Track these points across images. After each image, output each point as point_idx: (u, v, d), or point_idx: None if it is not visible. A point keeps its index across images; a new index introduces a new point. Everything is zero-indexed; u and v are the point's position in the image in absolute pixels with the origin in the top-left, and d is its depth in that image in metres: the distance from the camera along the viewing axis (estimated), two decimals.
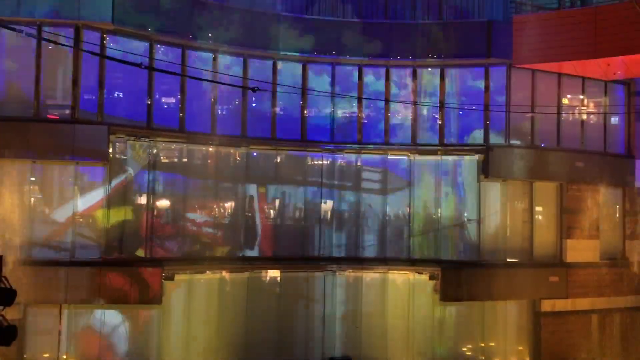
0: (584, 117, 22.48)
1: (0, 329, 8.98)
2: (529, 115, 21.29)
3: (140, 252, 18.67)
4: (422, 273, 20.72)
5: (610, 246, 22.57)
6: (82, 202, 18.07)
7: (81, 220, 18.05)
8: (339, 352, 20.48)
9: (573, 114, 22.39)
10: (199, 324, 19.31)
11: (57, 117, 17.97)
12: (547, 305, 21.18)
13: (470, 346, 20.91)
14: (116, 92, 18.86)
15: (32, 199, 18.06)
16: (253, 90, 15.29)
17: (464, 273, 20.49)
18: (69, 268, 17.38)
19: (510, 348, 21.28)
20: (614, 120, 23.21)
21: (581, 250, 21.69)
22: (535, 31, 19.99)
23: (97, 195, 18.21)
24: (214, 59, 19.81)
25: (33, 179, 17.97)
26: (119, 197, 18.58)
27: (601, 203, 22.36)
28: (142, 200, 18.93)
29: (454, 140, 21.19)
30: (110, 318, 18.25)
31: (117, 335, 18.29)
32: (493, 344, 21.01)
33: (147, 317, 18.54)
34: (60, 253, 17.67)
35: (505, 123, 20.88)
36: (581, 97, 22.42)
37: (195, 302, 19.34)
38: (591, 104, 22.67)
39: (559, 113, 21.65)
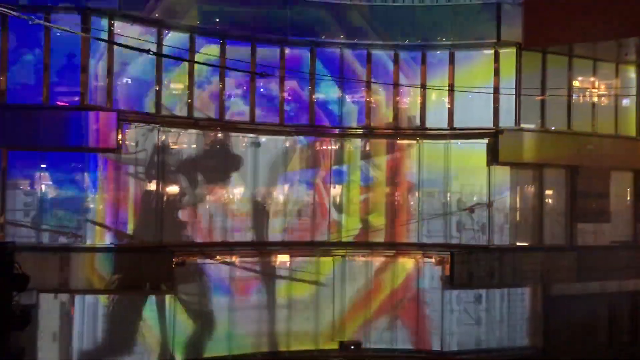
0: (595, 99, 22.25)
1: (15, 314, 9.08)
2: (539, 98, 21.09)
3: (151, 239, 18.79)
4: (431, 258, 20.72)
5: (621, 229, 22.44)
6: (94, 189, 18.17)
7: (92, 206, 18.16)
8: (349, 337, 20.58)
9: (584, 96, 22.17)
10: (210, 309, 19.46)
11: (67, 104, 18.03)
12: (557, 289, 21.13)
13: (480, 331, 20.92)
14: (125, 79, 18.88)
15: (43, 186, 18.18)
16: (261, 75, 15.26)
17: (473, 258, 20.45)
18: (81, 254, 17.54)
19: (521, 332, 21.29)
20: (626, 102, 22.97)
21: (592, 233, 21.58)
22: (545, 12, 19.73)
23: (108, 181, 18.31)
24: (222, 44, 19.75)
25: (43, 165, 18.09)
26: (129, 184, 18.67)
27: (612, 186, 22.19)
28: (152, 186, 19.02)
29: (463, 125, 21.05)
30: (122, 304, 18.41)
31: (129, 321, 18.46)
32: (503, 328, 21.01)
33: (160, 302, 18.67)
34: (71, 239, 17.82)
35: (515, 106, 20.70)
36: (592, 79, 22.18)
37: (206, 287, 19.47)
38: (602, 86, 22.42)
39: (569, 96, 21.44)
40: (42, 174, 18.14)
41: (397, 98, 21.31)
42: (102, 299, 18.10)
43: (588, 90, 22.18)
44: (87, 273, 17.52)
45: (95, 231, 18.05)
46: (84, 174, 18.05)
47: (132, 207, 18.67)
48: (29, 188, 18.23)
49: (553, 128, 21.48)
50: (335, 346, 20.46)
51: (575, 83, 21.97)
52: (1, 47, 17.30)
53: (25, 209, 17.93)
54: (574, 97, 21.72)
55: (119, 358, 18.18)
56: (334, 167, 21.12)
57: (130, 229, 18.55)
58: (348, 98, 21.42)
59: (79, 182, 18.04)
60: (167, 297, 18.56)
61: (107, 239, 18.12)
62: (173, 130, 19.31)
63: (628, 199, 22.75)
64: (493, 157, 20.48)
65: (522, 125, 20.86)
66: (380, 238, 21.14)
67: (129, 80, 18.94)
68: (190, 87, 19.46)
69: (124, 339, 18.29)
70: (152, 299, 18.59)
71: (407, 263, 20.99)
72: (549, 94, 20.94)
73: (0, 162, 17.24)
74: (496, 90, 20.60)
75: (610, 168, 22.14)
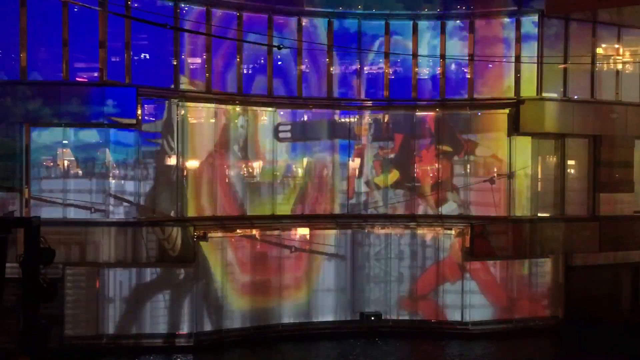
0: (620, 67, 21.76)
1: (42, 287, 9.32)
2: (562, 66, 20.69)
3: (173, 213, 19.00)
4: (451, 229, 20.67)
5: None
6: (115, 164, 18.38)
7: (114, 182, 18.38)
8: (369, 308, 20.72)
9: (608, 64, 21.69)
10: (232, 282, 19.69)
11: (86, 80, 18.15)
12: (579, 259, 20.99)
13: (501, 302, 20.92)
14: (143, 54, 18.90)
15: (66, 162, 18.42)
16: (279, 48, 15.17)
17: (493, 229, 20.36)
18: (104, 228, 17.83)
19: (543, 303, 21.26)
20: None
21: (614, 203, 21.31)
22: None
23: (129, 157, 18.49)
24: (239, 17, 19.63)
25: (65, 141, 18.30)
26: (150, 158, 18.83)
27: (636, 156, 21.83)
28: (172, 161, 19.15)
29: (483, 95, 20.78)
30: (146, 277, 18.72)
31: (153, 294, 18.79)
32: (523, 299, 20.99)
33: (182, 275, 18.94)
34: (95, 214, 18.09)
35: (537, 75, 20.34)
36: (617, 46, 21.66)
37: (228, 260, 19.68)
38: (627, 53, 21.90)
39: (593, 63, 20.99)
40: (64, 150, 18.37)
41: (416, 69, 21.06)
42: (126, 271, 18.42)
43: (612, 57, 21.69)
44: (110, 247, 17.82)
45: (118, 205, 18.29)
46: (105, 149, 18.24)
47: (153, 181, 18.84)
48: (51, 164, 18.49)
49: (576, 97, 21.11)
50: (356, 317, 20.65)
51: (599, 50, 21.48)
52: (20, 24, 17.41)
53: (49, 185, 18.21)
54: (597, 65, 21.26)
55: (144, 329, 18.55)
56: (353, 140, 21.04)
57: (151, 203, 18.74)
58: (366, 69, 21.23)
59: (101, 157, 18.23)
60: (189, 270, 18.81)
61: (129, 213, 18.34)
62: (192, 104, 19.35)
63: None
64: (514, 127, 20.23)
65: (544, 94, 20.53)
66: (400, 210, 21.12)
67: (147, 55, 18.96)
68: (208, 61, 19.42)
69: (147, 310, 18.64)
70: (174, 272, 18.86)
71: (427, 235, 20.98)
72: (572, 62, 20.53)
73: (23, 139, 17.48)
74: (517, 59, 20.24)
75: (635, 137, 21.74)
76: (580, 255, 20.98)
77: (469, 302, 20.61)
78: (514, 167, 20.49)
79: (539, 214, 20.91)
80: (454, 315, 20.72)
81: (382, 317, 20.56)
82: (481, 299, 20.78)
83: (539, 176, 20.98)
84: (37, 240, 9.37)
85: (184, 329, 18.86)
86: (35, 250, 9.32)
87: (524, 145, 20.54)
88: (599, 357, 18.31)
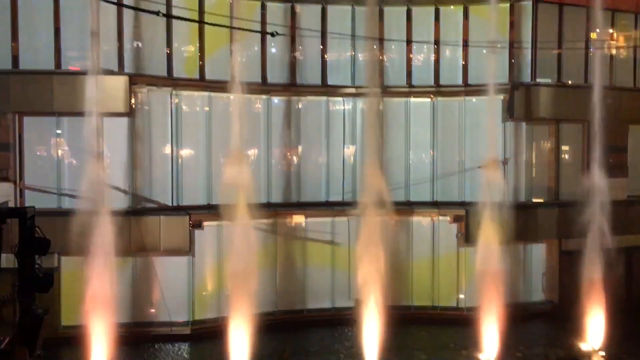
0: (614, 51, 21.75)
1: (38, 277, 9.29)
2: (556, 51, 20.67)
3: (168, 201, 18.96)
4: (446, 215, 20.72)
5: (638, 184, 22.20)
6: (108, 153, 18.30)
7: (108, 171, 18.30)
8: (364, 295, 20.75)
9: (602, 48, 21.67)
10: (228, 270, 19.69)
11: (78, 69, 18.02)
12: (572, 244, 21.09)
13: (495, 287, 21.01)
14: (135, 42, 18.77)
15: (60, 152, 18.34)
16: (272, 35, 15.09)
17: (488, 214, 20.38)
18: (98, 218, 17.76)
19: (537, 287, 21.39)
20: None
21: (608, 189, 21.36)
22: None
23: (122, 146, 18.41)
24: (231, 3, 19.50)
25: (59, 131, 18.20)
26: (144, 147, 18.76)
27: (630, 141, 21.88)
28: (167, 149, 19.10)
29: (478, 81, 20.75)
30: (141, 266, 18.72)
31: (148, 283, 18.80)
32: (518, 283, 21.09)
33: (178, 264, 18.96)
34: (88, 203, 18.01)
35: (531, 61, 20.31)
36: (611, 30, 21.64)
37: (223, 249, 19.68)
38: (621, 38, 21.89)
39: (587, 48, 20.97)
40: (57, 139, 18.28)
41: (410, 55, 20.99)
42: (121, 261, 18.41)
43: (606, 42, 21.67)
44: (106, 236, 17.77)
45: (113, 195, 18.23)
46: (98, 139, 18.13)
47: (148, 170, 18.79)
48: (45, 154, 18.40)
49: (570, 82, 21.11)
50: (351, 304, 20.71)
51: (593, 35, 21.45)
52: (11, 12, 17.24)
53: (43, 175, 18.13)
54: (591, 50, 21.25)
55: (139, 318, 18.58)
56: (348, 127, 21.00)
57: (146, 192, 18.70)
58: (360, 56, 21.15)
59: (94, 146, 18.12)
60: (185, 259, 18.82)
61: (123, 202, 18.30)
62: (186, 92, 19.26)
63: None
64: (508, 113, 20.23)
65: (538, 80, 20.51)
66: (395, 197, 21.12)
67: (140, 44, 18.83)
68: (201, 49, 19.31)
69: (143, 300, 18.66)
70: (170, 260, 18.86)
71: (422, 221, 21.02)
72: (566, 47, 20.51)
73: (16, 129, 17.38)
74: (512, 45, 20.20)
75: (628, 122, 21.79)
76: (574, 240, 21.07)
77: (464, 287, 20.70)
78: (508, 153, 20.52)
79: (534, 200, 20.98)
80: (450, 301, 20.81)
81: None
82: (475, 285, 20.86)
83: (534, 162, 21.03)
84: (32, 230, 9.34)
85: (183, 317, 18.89)
86: (30, 241, 9.29)
87: (518, 130, 20.57)
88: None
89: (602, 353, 18.03)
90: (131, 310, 18.36)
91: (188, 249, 18.60)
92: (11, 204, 16.35)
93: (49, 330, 9.97)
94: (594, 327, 18.59)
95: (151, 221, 18.22)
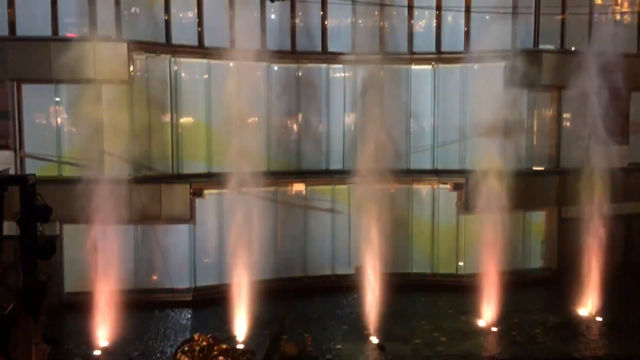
0: (617, 17, 21.47)
1: (40, 244, 9.35)
2: (559, 17, 20.40)
3: (168, 170, 18.96)
4: (446, 183, 20.74)
5: (639, 151, 22.17)
6: (108, 121, 18.21)
7: (108, 138, 18.25)
8: (364, 262, 20.93)
9: (606, 14, 21.38)
10: (229, 239, 19.79)
11: (75, 36, 17.83)
12: (572, 212, 21.15)
13: (495, 255, 21.15)
14: (133, 8, 18.53)
15: (59, 119, 18.26)
16: (272, 0, 14.90)
17: (488, 183, 20.40)
18: (99, 186, 17.78)
19: (536, 254, 21.53)
20: None
21: (609, 156, 21.32)
22: None
23: (122, 113, 18.31)
24: None
25: (58, 99, 18.10)
26: (144, 115, 18.67)
27: (632, 108, 21.75)
28: (166, 118, 19.01)
29: (479, 47, 20.51)
30: (142, 234, 18.82)
31: (149, 251, 18.92)
32: (518, 251, 21.23)
33: (179, 233, 19.05)
34: (89, 171, 18.02)
35: (534, 26, 20.07)
36: None
37: (225, 217, 19.74)
38: (625, 4, 21.58)
39: (590, 14, 20.69)
40: (57, 107, 18.19)
41: (412, 22, 20.73)
42: (122, 228, 18.48)
43: (610, 8, 21.37)
44: (106, 204, 17.82)
45: (113, 163, 18.21)
46: (97, 106, 18.04)
47: (148, 138, 18.73)
48: (45, 122, 18.33)
49: (573, 48, 20.89)
50: (351, 271, 20.89)
51: (597, 1, 21.14)
52: None
53: (43, 142, 18.09)
54: (595, 16, 20.96)
55: (141, 285, 18.76)
56: (348, 95, 20.87)
57: (146, 160, 18.68)
58: (361, 23, 20.89)
59: (94, 114, 18.04)
60: (186, 227, 18.90)
61: (124, 171, 18.29)
62: (185, 60, 19.09)
63: None
64: (510, 80, 20.07)
65: (541, 46, 20.29)
66: (396, 165, 21.10)
67: (138, 10, 18.58)
68: (199, 15, 19.07)
69: (145, 267, 18.81)
70: (171, 228, 18.95)
71: (422, 189, 21.04)
72: (570, 12, 20.23)
73: (15, 96, 17.28)
74: (514, 10, 19.93)
75: (631, 89, 21.62)
76: (574, 208, 21.12)
77: (463, 254, 20.83)
78: (509, 120, 20.40)
79: (534, 167, 20.96)
80: (449, 267, 20.97)
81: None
82: (475, 252, 21.00)
83: (535, 129, 20.95)
84: (33, 197, 9.37)
85: (184, 284, 19.07)
86: (31, 208, 9.32)
87: (520, 98, 20.42)
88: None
89: (599, 319, 18.25)
90: (133, 277, 18.52)
91: (189, 217, 18.68)
92: (11, 172, 16.39)
93: (52, 297, 10.08)
94: (592, 293, 18.78)
95: (152, 189, 18.25)
